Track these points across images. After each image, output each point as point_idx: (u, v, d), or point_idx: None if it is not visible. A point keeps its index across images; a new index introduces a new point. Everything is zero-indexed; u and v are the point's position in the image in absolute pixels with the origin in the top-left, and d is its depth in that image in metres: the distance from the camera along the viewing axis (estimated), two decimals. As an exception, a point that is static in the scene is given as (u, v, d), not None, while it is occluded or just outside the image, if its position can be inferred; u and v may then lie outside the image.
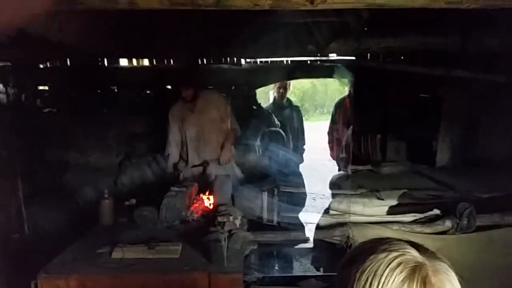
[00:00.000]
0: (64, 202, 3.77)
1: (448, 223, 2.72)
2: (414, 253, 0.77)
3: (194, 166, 3.66)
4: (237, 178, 3.67)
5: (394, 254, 0.76)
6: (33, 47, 3.30)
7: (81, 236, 2.70)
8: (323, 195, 5.23)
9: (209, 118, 3.62)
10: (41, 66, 4.50)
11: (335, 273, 0.85)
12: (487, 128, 3.79)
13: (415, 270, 0.73)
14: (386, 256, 0.76)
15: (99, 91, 4.62)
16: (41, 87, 4.57)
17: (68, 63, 4.56)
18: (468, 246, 2.65)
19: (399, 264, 0.74)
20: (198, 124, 3.61)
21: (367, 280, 0.74)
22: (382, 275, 0.73)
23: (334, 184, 3.22)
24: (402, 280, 0.72)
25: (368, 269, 0.75)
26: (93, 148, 4.26)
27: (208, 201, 3.27)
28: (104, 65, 4.64)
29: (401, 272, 0.73)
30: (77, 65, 4.52)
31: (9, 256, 3.15)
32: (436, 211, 2.85)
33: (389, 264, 0.74)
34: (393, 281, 0.72)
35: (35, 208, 3.62)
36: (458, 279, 0.78)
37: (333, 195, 2.98)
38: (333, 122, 4.98)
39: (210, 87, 4.05)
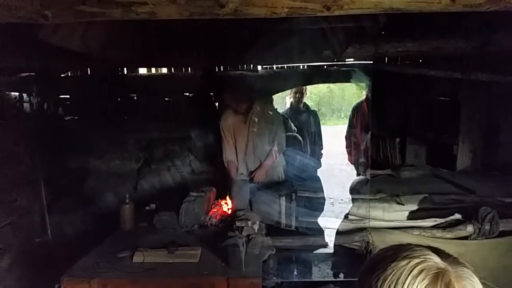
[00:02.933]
0: (85, 207, 3.84)
1: (470, 228, 2.68)
2: (436, 259, 0.76)
3: (251, 177, 3.65)
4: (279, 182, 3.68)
5: (416, 261, 0.75)
6: (55, 57, 3.39)
7: (103, 241, 2.75)
8: (342, 200, 5.21)
9: (259, 130, 3.61)
10: (63, 75, 4.60)
11: (354, 279, 0.84)
12: (508, 131, 3.72)
13: (438, 277, 0.72)
14: (408, 263, 0.74)
15: (118, 99, 4.70)
16: (63, 96, 4.68)
17: (89, 72, 4.66)
18: (491, 252, 2.60)
19: (421, 271, 0.73)
20: (248, 135, 3.61)
21: None
22: (404, 283, 0.72)
23: (354, 189, 3.20)
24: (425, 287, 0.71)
25: (390, 277, 0.74)
26: (113, 155, 4.33)
27: (226, 206, 3.29)
28: (124, 73, 4.72)
29: (423, 279, 0.72)
30: (97, 74, 4.61)
31: (33, 260, 3.23)
32: (457, 216, 2.81)
33: (411, 272, 0.73)
34: None
35: (57, 213, 3.70)
36: (483, 283, 0.76)
37: (353, 200, 2.96)
38: (350, 126, 4.95)
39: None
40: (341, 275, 2.68)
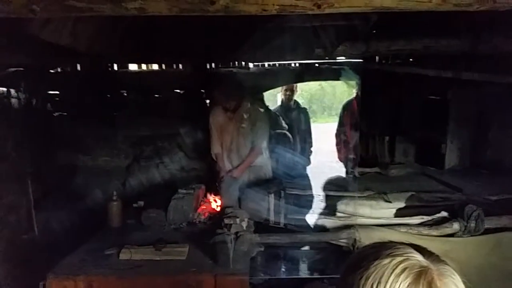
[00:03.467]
0: (73, 204, 3.81)
1: (456, 226, 2.70)
2: (418, 257, 0.76)
3: (228, 172, 3.65)
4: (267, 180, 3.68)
5: (399, 259, 0.75)
6: (43, 52, 3.35)
7: (90, 238, 2.74)
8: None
9: (245, 128, 3.61)
10: (52, 71, 4.55)
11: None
12: (496, 130, 3.76)
13: (420, 275, 0.72)
14: (390, 261, 0.75)
15: (108, 95, 4.67)
16: (51, 92, 4.63)
17: (78, 68, 4.61)
18: (476, 249, 2.63)
19: (404, 270, 0.73)
20: (233, 133, 3.62)
21: (371, 287, 0.73)
22: (387, 282, 0.72)
23: (334, 185, 3.20)
24: (407, 286, 0.71)
25: (373, 275, 0.74)
26: (101, 151, 4.30)
27: (215, 203, 3.29)
28: (113, 69, 4.68)
29: (406, 277, 0.72)
30: (86, 70, 4.57)
31: (18, 257, 3.20)
32: (444, 214, 2.83)
33: (393, 270, 0.73)
34: (399, 287, 0.71)
35: (44, 210, 3.66)
36: (463, 282, 0.77)
37: (340, 197, 2.97)
38: (340, 124, 4.97)
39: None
40: (327, 272, 2.69)
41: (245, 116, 3.58)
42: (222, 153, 3.69)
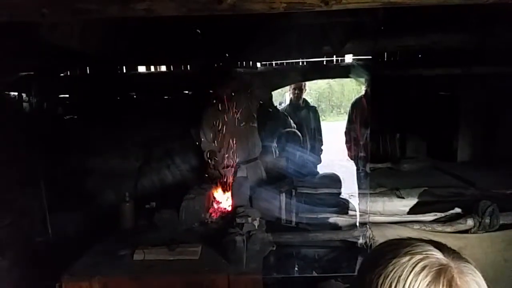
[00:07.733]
0: (86, 206, 3.84)
1: (470, 222, 2.67)
2: (438, 255, 0.74)
3: (226, 167, 3.66)
4: (263, 179, 3.68)
5: (418, 257, 0.73)
6: (54, 56, 3.38)
7: (103, 239, 2.75)
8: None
9: (242, 119, 3.61)
10: (62, 74, 4.60)
11: (355, 274, 0.83)
12: (509, 124, 3.72)
13: (440, 273, 0.71)
14: (410, 259, 0.73)
15: (118, 97, 4.70)
16: (62, 95, 4.68)
17: (88, 71, 4.65)
18: (491, 245, 2.60)
19: (423, 268, 0.71)
20: (231, 125, 3.61)
21: (390, 285, 0.72)
22: (406, 280, 0.71)
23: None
24: (427, 285, 0.70)
25: (392, 274, 0.73)
26: (113, 153, 4.32)
27: (226, 203, 3.29)
28: (123, 72, 4.71)
29: (426, 276, 0.70)
30: (96, 73, 4.61)
31: (33, 259, 3.23)
32: (457, 210, 2.80)
33: (413, 268, 0.72)
34: (418, 286, 0.70)
35: (58, 213, 3.70)
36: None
37: (353, 195, 2.96)
38: (350, 122, 4.95)
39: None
40: (341, 270, 2.68)
41: (241, 104, 3.60)
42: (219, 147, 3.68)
